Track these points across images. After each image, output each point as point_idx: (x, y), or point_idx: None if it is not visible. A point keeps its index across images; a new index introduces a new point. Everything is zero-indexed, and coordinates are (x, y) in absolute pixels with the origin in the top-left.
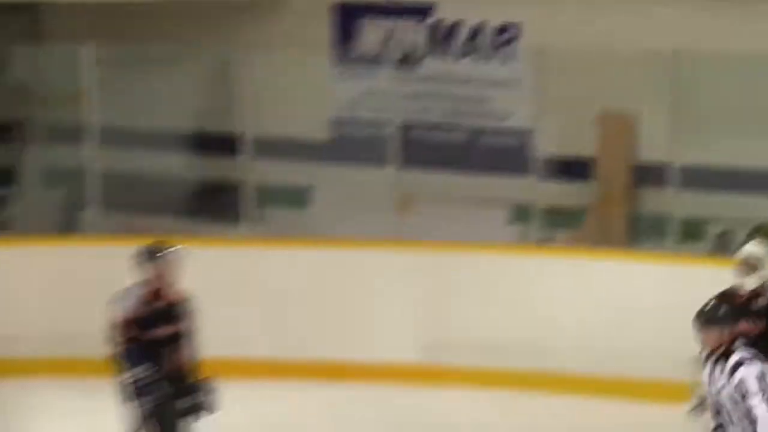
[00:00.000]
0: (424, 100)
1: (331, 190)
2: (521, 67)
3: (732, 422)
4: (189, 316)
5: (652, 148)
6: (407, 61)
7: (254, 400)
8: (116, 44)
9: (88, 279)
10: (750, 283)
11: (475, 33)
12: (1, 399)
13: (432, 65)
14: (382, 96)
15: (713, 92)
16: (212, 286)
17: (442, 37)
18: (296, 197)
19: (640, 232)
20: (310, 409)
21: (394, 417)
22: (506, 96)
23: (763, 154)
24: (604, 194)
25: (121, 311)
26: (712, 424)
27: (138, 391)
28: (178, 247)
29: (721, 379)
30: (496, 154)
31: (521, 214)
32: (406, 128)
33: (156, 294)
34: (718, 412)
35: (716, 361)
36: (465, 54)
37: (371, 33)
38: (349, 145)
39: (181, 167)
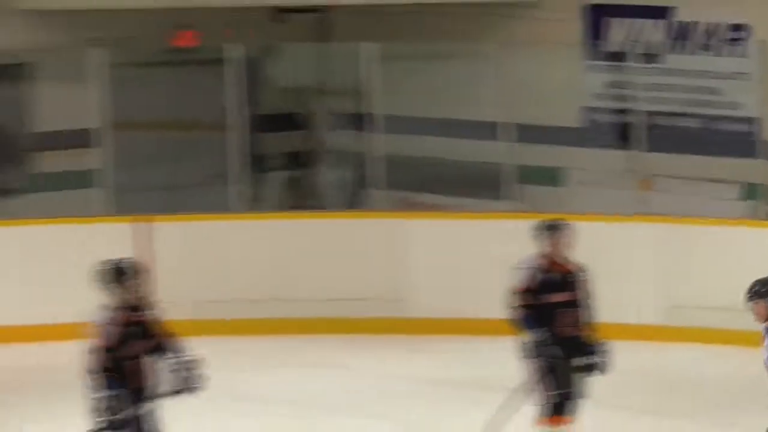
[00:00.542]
0: (664, 91)
1: (581, 171)
2: (750, 62)
3: None
4: (582, 284)
5: None
6: (649, 55)
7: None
8: (395, 42)
9: (371, 248)
10: None
11: (709, 31)
12: (320, 353)
13: (671, 60)
14: (627, 87)
15: None
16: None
17: (681, 35)
18: (551, 177)
19: None
20: None
21: (646, 369)
22: (736, 87)
23: None
24: None
25: (519, 280)
26: None
27: (534, 351)
28: (570, 222)
29: None
30: (728, 138)
31: (751, 192)
32: (649, 116)
33: (551, 264)
34: None
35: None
36: (701, 50)
37: (617, 31)
38: (598, 131)
39: (451, 151)
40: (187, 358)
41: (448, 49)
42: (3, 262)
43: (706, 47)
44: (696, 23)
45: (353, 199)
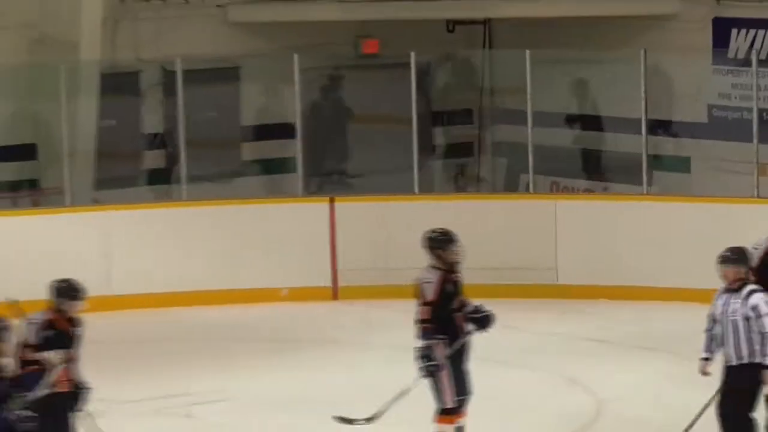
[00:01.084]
0: None
1: (707, 160)
2: None
3: (741, 339)
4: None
5: None
6: (764, 63)
7: None
8: (551, 48)
9: (526, 225)
10: None
11: None
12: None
13: None
14: (747, 88)
15: None
16: None
17: None
18: (681, 165)
19: None
20: None
21: None
22: None
23: None
24: None
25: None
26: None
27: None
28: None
29: (735, 304)
30: None
31: None
32: (764, 112)
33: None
34: (726, 336)
35: (732, 292)
36: None
37: (741, 39)
38: (722, 126)
39: (596, 142)
40: (481, 308)
41: (596, 55)
42: (219, 235)
43: None
44: None
45: (511, 183)
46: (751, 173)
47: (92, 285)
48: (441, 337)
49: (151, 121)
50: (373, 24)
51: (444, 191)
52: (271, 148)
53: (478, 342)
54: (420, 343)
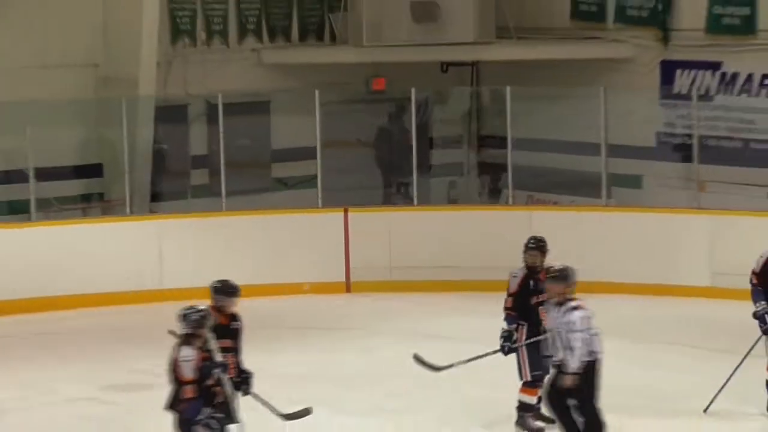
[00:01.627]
0: (715, 122)
1: (655, 178)
2: None
3: (563, 347)
4: None
5: None
6: (704, 96)
7: None
8: (527, 86)
9: (506, 231)
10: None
11: (747, 79)
12: (477, 303)
13: (720, 99)
14: (688, 119)
15: None
16: None
17: (727, 82)
18: (634, 182)
19: None
20: None
21: (694, 316)
22: (766, 118)
23: None
24: None
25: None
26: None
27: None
28: None
29: (560, 317)
30: (759, 155)
31: None
32: (703, 138)
33: None
34: (553, 342)
35: (557, 305)
36: (741, 92)
37: (683, 78)
38: (667, 149)
39: (564, 162)
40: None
41: (564, 91)
42: (253, 239)
43: (744, 90)
44: (737, 73)
45: (494, 197)
46: (693, 188)
47: (147, 281)
48: (521, 323)
49: (197, 145)
50: (381, 65)
51: (438, 203)
52: (296, 168)
53: (468, 327)
54: (504, 326)
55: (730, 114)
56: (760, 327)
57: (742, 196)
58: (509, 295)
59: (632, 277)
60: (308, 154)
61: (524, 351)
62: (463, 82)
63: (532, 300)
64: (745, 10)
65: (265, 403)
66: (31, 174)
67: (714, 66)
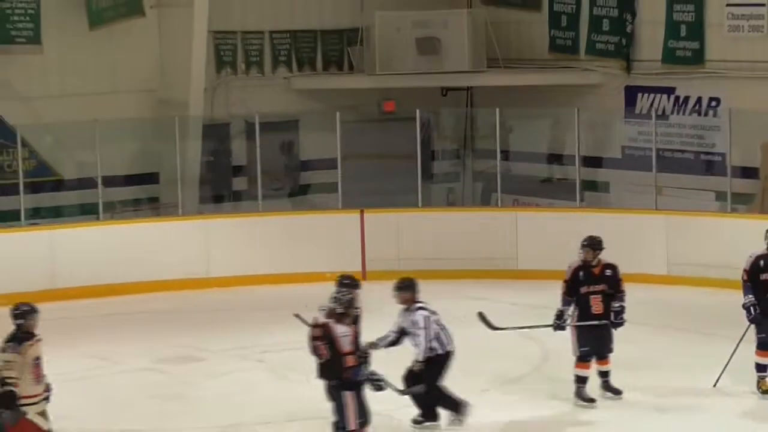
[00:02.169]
0: (670, 137)
1: (621, 184)
2: (721, 120)
3: (413, 342)
4: None
5: None
6: (661, 115)
7: None
8: (515, 107)
9: (495, 228)
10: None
11: (697, 101)
12: (472, 290)
13: (674, 118)
14: (648, 134)
15: None
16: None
17: (680, 104)
18: (603, 187)
19: None
20: None
21: (653, 300)
22: (713, 135)
23: None
24: None
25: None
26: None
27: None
28: None
29: (409, 317)
30: (708, 165)
31: (721, 197)
32: (660, 151)
33: None
34: (408, 336)
35: (406, 309)
36: (692, 112)
37: (643, 101)
38: (632, 160)
39: (545, 171)
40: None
41: (545, 112)
42: (285, 236)
43: (695, 111)
44: (689, 96)
45: (485, 200)
46: (651, 193)
47: (196, 270)
48: (570, 307)
49: (237, 157)
50: (391, 90)
51: (439, 205)
52: (320, 176)
53: (460, 309)
54: (559, 305)
55: (683, 130)
56: (747, 317)
57: (694, 199)
58: (564, 281)
59: None
60: (330, 164)
61: (574, 330)
62: (460, 104)
63: (581, 289)
64: (695, 44)
65: (382, 379)
66: (99, 181)
67: (669, 90)
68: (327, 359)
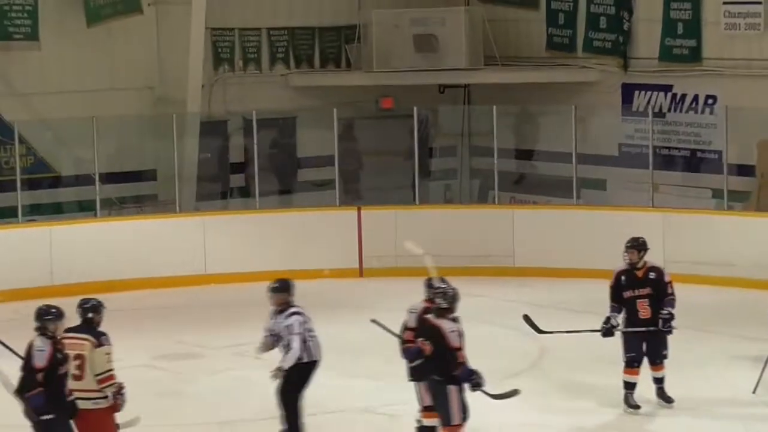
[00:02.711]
0: (667, 135)
1: (618, 181)
2: (718, 117)
3: (283, 347)
4: None
5: None
6: (658, 113)
7: None
8: (512, 104)
9: (493, 225)
10: None
11: (694, 99)
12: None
13: (671, 116)
14: (645, 132)
15: None
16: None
17: (677, 101)
18: (600, 184)
19: None
20: None
21: None
22: (710, 132)
23: None
24: None
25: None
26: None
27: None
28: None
29: (282, 320)
30: (704, 163)
31: (717, 194)
32: (657, 149)
33: None
34: (279, 340)
35: (279, 312)
36: (689, 110)
37: (640, 99)
38: (628, 158)
39: (542, 168)
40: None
41: (542, 109)
42: (282, 232)
43: (691, 108)
44: (686, 94)
45: (482, 197)
46: (648, 190)
47: (193, 266)
48: (618, 313)
49: (235, 154)
50: (388, 88)
51: (436, 202)
52: (318, 173)
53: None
54: (608, 311)
55: (680, 128)
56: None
57: (690, 197)
58: (609, 287)
59: (598, 263)
60: (328, 161)
61: (623, 336)
62: (457, 102)
63: (625, 294)
64: (692, 42)
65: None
66: (97, 178)
67: (666, 88)
68: (429, 355)
